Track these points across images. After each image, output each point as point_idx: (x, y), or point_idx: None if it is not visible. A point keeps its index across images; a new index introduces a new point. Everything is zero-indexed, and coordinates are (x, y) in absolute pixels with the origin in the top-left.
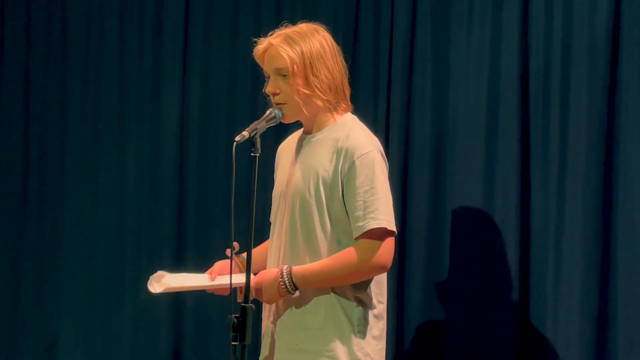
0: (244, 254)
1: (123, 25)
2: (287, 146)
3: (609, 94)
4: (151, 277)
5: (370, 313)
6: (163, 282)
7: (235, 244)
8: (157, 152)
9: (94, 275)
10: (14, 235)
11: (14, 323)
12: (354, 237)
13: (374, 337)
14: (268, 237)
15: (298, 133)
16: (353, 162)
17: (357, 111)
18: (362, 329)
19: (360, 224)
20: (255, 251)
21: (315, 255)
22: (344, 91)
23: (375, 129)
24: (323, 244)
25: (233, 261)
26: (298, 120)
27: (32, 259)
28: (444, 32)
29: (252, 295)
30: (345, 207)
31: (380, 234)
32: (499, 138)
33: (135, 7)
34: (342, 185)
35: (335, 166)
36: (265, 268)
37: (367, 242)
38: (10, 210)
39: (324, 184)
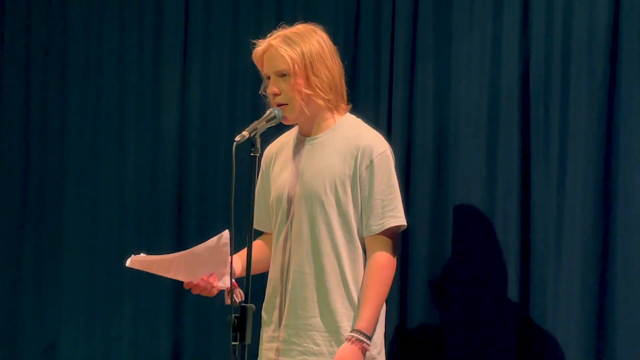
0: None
1: (123, 26)
2: (279, 149)
3: (608, 94)
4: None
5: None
6: (139, 261)
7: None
8: (157, 152)
9: (94, 275)
10: (14, 235)
11: (14, 323)
12: (370, 233)
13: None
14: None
15: (290, 134)
16: (372, 161)
17: (358, 111)
18: (376, 324)
19: (380, 222)
20: (237, 257)
21: (338, 257)
22: (342, 91)
23: (376, 129)
24: (342, 242)
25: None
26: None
27: (32, 259)
28: (445, 32)
29: None
30: (361, 206)
31: (394, 231)
32: (500, 137)
33: (134, 7)
34: (360, 185)
35: (352, 166)
36: (244, 274)
37: (386, 240)
38: (10, 209)
39: (342, 184)
